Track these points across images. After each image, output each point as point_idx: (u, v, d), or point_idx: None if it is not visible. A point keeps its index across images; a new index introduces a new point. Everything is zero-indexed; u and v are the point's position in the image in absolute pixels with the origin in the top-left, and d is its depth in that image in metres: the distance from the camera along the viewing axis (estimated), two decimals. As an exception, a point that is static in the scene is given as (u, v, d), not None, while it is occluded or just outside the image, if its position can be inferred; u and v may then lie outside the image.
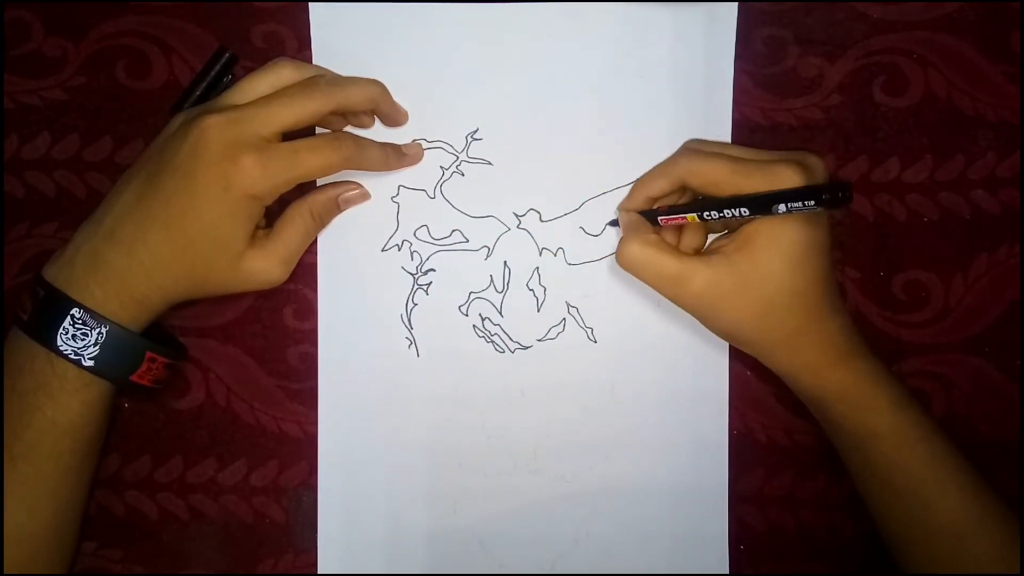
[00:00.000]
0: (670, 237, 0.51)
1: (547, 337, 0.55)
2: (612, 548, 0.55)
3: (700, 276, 0.47)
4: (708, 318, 0.49)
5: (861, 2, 0.54)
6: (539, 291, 0.55)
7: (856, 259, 0.54)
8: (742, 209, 0.46)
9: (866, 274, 0.54)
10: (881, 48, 0.54)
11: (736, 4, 0.54)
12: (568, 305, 0.55)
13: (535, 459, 0.55)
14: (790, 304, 0.47)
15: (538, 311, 0.55)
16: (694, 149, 0.50)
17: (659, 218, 0.50)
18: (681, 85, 0.54)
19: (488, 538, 0.55)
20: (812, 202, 0.43)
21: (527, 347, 0.55)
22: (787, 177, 0.46)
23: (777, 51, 0.54)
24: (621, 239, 0.49)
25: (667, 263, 0.48)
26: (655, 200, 0.51)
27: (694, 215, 0.48)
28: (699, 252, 0.50)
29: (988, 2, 0.54)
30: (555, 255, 0.54)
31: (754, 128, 0.54)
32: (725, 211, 0.46)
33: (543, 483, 0.55)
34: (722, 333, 0.50)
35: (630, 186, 0.53)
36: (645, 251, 0.48)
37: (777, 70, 0.54)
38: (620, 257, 0.49)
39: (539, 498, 0.55)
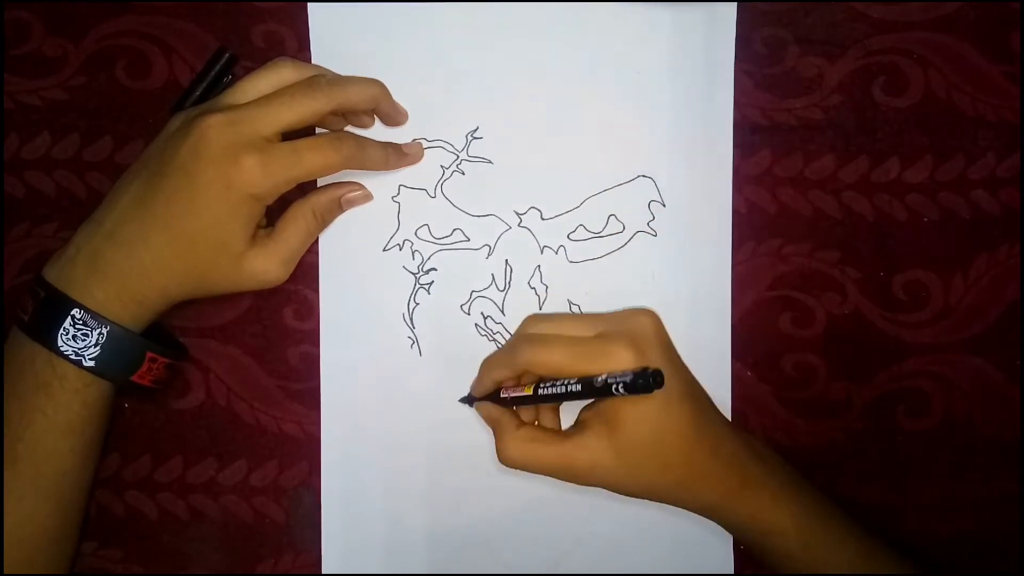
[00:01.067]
0: (546, 419, 0.51)
1: (548, 336, 0.55)
2: (615, 547, 0.55)
3: (581, 458, 0.47)
4: (609, 489, 0.49)
5: (861, 2, 0.54)
6: (541, 289, 0.55)
7: (856, 259, 0.54)
8: (579, 398, 0.46)
9: (866, 274, 0.54)
10: (881, 48, 0.54)
11: (736, 4, 0.54)
12: (570, 303, 0.55)
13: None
14: (668, 462, 0.47)
15: (540, 309, 0.55)
16: (531, 335, 0.49)
17: (501, 394, 0.50)
18: (681, 85, 0.54)
19: (490, 538, 0.55)
20: (631, 389, 0.43)
21: (528, 346, 0.55)
22: (618, 355, 0.45)
23: (777, 51, 0.54)
24: (497, 441, 0.49)
25: (546, 456, 0.48)
26: (500, 384, 0.50)
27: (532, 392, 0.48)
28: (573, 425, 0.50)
29: (988, 2, 0.54)
30: (556, 253, 0.55)
31: (754, 128, 0.54)
32: (565, 400, 0.47)
33: (545, 482, 0.54)
34: (630, 495, 0.49)
35: (630, 184, 0.54)
36: (521, 449, 0.48)
37: (777, 70, 0.54)
38: (501, 461, 0.48)
39: (541, 497, 0.55)
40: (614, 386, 0.43)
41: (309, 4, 0.54)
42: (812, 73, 0.54)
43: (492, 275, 0.55)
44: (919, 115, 0.54)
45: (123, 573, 0.55)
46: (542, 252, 0.55)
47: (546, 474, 0.48)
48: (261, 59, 0.52)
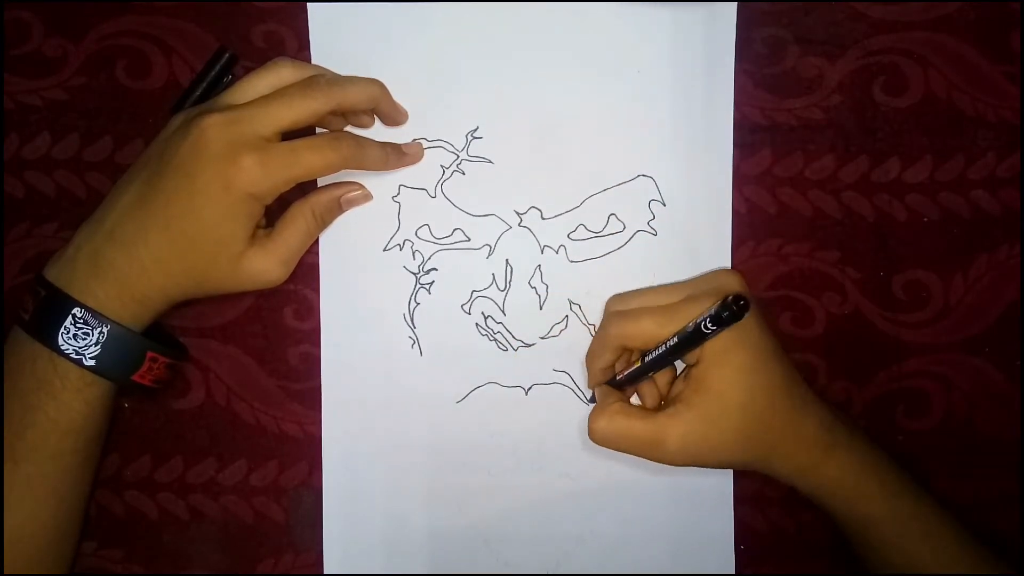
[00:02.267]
0: (648, 397, 0.52)
1: (550, 335, 0.55)
2: (617, 547, 0.55)
3: (672, 432, 0.48)
4: (697, 463, 0.49)
5: (861, 2, 0.54)
6: (541, 289, 0.55)
7: (856, 259, 0.54)
8: (679, 352, 0.47)
9: (866, 274, 0.54)
10: (881, 48, 0.54)
11: (736, 4, 0.54)
12: (570, 302, 0.55)
13: (539, 457, 0.55)
14: (760, 423, 0.48)
15: (540, 309, 0.55)
16: (617, 312, 0.50)
17: (622, 387, 0.51)
18: (681, 85, 0.54)
19: (492, 537, 0.55)
20: (719, 322, 0.44)
21: (530, 345, 0.55)
22: (709, 304, 0.47)
23: (777, 51, 0.54)
24: (589, 423, 0.50)
25: (636, 428, 0.48)
26: (609, 369, 0.52)
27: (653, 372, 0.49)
28: (665, 402, 0.51)
29: (988, 2, 0.54)
30: (557, 253, 0.55)
31: (754, 128, 0.54)
32: (669, 360, 0.48)
33: (547, 481, 0.55)
34: (716, 467, 0.50)
35: (631, 183, 0.54)
36: (613, 422, 0.49)
37: (777, 70, 0.54)
38: (592, 435, 0.49)
39: (543, 497, 0.55)
40: (702, 324, 0.44)
41: (309, 4, 0.54)
42: (812, 73, 0.54)
43: (493, 275, 0.55)
44: (919, 115, 0.54)
45: (123, 573, 0.55)
46: (542, 252, 0.55)
47: (633, 450, 0.49)
48: (261, 59, 0.52)
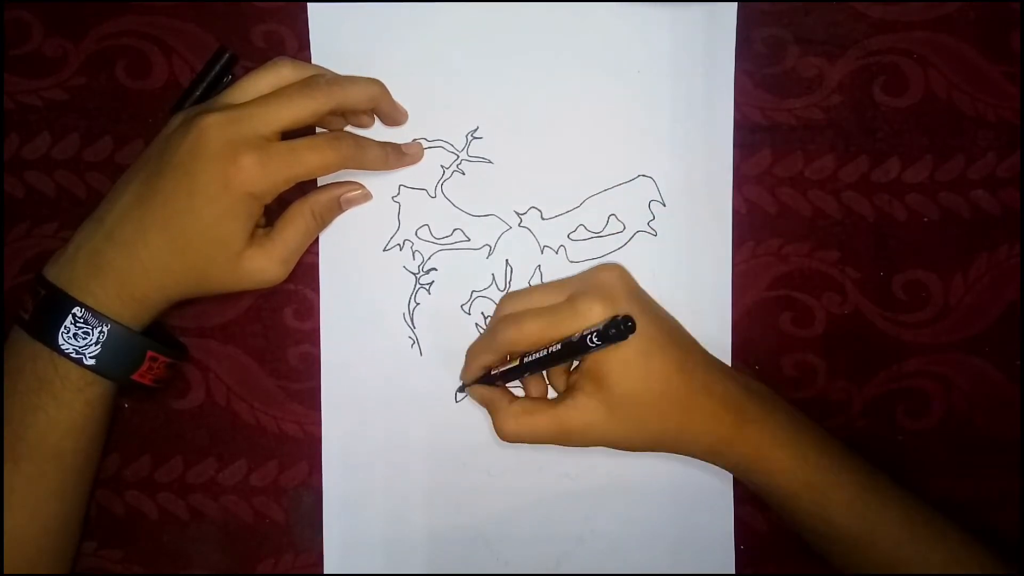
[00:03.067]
0: (535, 392, 0.52)
1: (549, 335, 0.55)
2: (617, 546, 0.55)
3: (575, 423, 0.48)
4: (614, 445, 0.49)
5: (861, 2, 0.54)
6: (541, 289, 0.55)
7: (856, 259, 0.54)
8: (561, 360, 0.47)
9: (866, 274, 0.54)
10: (881, 48, 0.54)
11: (736, 4, 0.54)
12: (570, 304, 0.55)
13: (539, 457, 0.55)
14: (658, 409, 0.48)
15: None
16: (505, 316, 0.50)
17: (491, 372, 0.51)
18: (681, 85, 0.54)
19: (492, 537, 0.55)
20: (604, 338, 0.44)
21: (529, 345, 0.55)
22: (588, 311, 0.47)
23: (777, 51, 0.54)
24: (493, 419, 0.50)
25: (541, 424, 0.49)
26: (488, 368, 0.52)
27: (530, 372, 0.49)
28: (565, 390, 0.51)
29: (988, 2, 0.54)
30: (557, 253, 0.55)
31: (754, 128, 0.54)
32: (550, 364, 0.48)
33: (547, 481, 0.55)
34: (631, 451, 0.50)
35: (631, 184, 0.54)
36: (519, 422, 0.49)
37: (777, 70, 0.54)
38: (501, 437, 0.50)
39: (543, 496, 0.55)
40: (588, 338, 0.44)
41: (309, 4, 0.54)
42: (812, 73, 0.54)
43: (492, 275, 0.55)
44: (919, 115, 0.54)
45: (123, 573, 0.55)
46: (542, 252, 0.55)
47: (545, 442, 0.49)
48: (261, 59, 0.52)
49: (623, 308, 0.47)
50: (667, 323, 0.50)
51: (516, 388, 0.53)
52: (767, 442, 0.48)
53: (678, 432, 0.49)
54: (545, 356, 0.47)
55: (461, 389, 0.54)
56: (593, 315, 0.47)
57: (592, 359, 0.48)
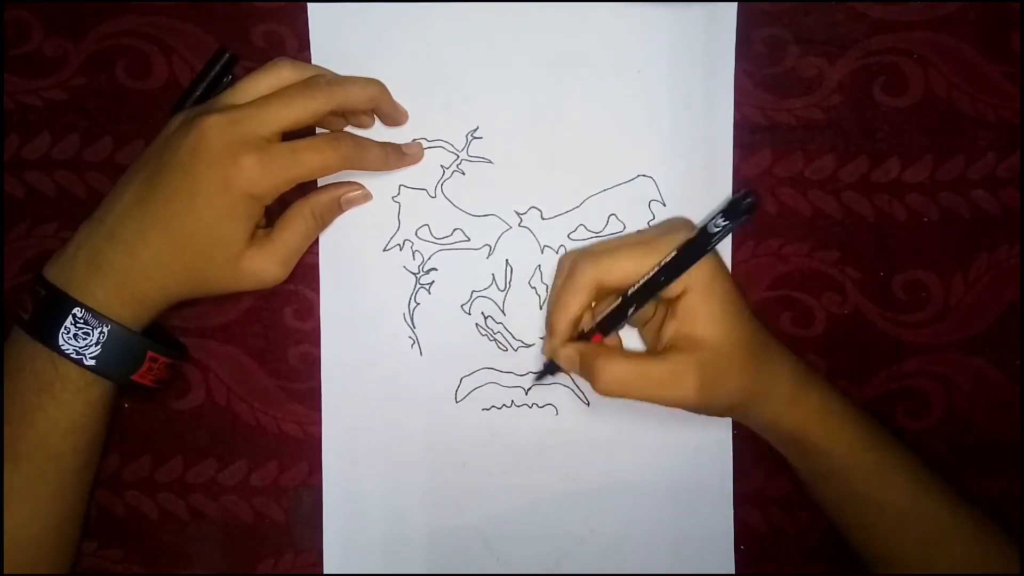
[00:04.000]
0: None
1: (549, 335, 0.55)
2: (617, 547, 0.55)
3: (688, 371, 0.48)
4: (704, 405, 0.49)
5: (861, 2, 0.54)
6: (541, 289, 0.55)
7: (856, 259, 0.54)
8: (675, 272, 0.47)
9: (866, 274, 0.54)
10: (881, 48, 0.54)
11: (736, 4, 0.54)
12: (570, 304, 0.55)
13: (539, 457, 0.55)
14: (745, 365, 0.48)
15: (540, 309, 0.55)
16: (588, 253, 0.49)
17: (601, 335, 0.49)
18: (681, 85, 0.54)
19: (492, 537, 0.55)
20: (733, 214, 0.45)
21: (530, 345, 0.55)
22: (685, 236, 0.47)
23: (777, 51, 0.54)
24: (593, 371, 0.48)
25: (654, 370, 0.48)
26: (577, 321, 0.50)
27: (632, 310, 0.48)
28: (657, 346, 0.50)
29: (988, 2, 0.54)
30: (557, 253, 0.54)
31: (754, 128, 0.54)
32: (664, 285, 0.47)
33: (547, 481, 0.55)
34: (715, 412, 0.50)
35: (631, 184, 0.54)
36: (625, 364, 0.48)
37: (777, 70, 0.54)
38: (602, 390, 0.48)
39: (543, 496, 0.55)
40: (713, 222, 0.45)
41: (309, 4, 0.54)
42: (812, 73, 0.54)
43: (492, 275, 0.55)
44: (919, 115, 0.54)
45: (123, 573, 0.55)
46: (543, 252, 0.55)
47: (647, 395, 0.48)
48: (261, 59, 0.52)
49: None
50: (743, 300, 0.50)
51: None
52: (826, 408, 0.49)
53: (753, 394, 0.49)
54: (657, 274, 0.47)
55: (540, 376, 0.53)
56: (686, 237, 0.47)
57: (689, 303, 0.47)
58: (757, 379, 0.49)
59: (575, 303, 0.50)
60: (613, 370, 0.48)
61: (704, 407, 0.49)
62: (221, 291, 0.51)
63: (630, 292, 0.48)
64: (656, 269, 0.47)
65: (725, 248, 0.54)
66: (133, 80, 0.55)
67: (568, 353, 0.50)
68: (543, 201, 0.55)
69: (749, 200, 0.45)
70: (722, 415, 0.52)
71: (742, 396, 0.49)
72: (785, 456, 0.52)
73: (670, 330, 0.49)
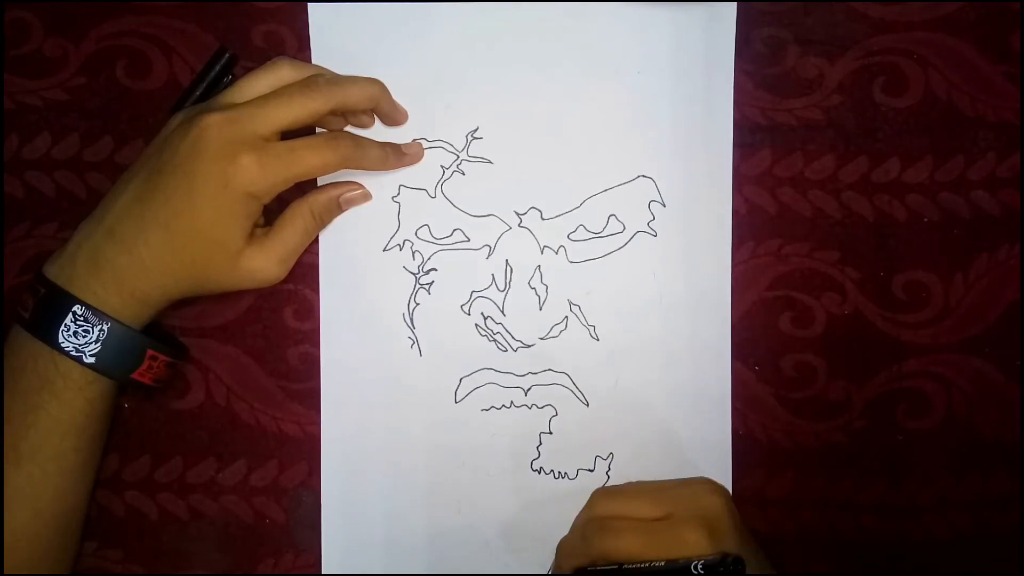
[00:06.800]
0: None
1: (549, 335, 0.55)
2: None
3: None
4: None
5: (861, 2, 0.54)
6: (541, 289, 0.55)
7: (856, 259, 0.54)
8: None
9: (866, 274, 0.54)
10: (881, 48, 0.54)
11: (736, 4, 0.54)
12: (570, 303, 0.55)
13: (538, 458, 0.55)
14: None
15: (540, 309, 0.55)
16: (602, 523, 0.49)
17: (588, 570, 0.49)
18: (681, 85, 0.54)
19: (491, 538, 0.55)
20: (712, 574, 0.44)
21: (530, 346, 0.55)
22: (693, 541, 0.46)
23: (777, 51, 0.54)
24: None
25: None
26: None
27: None
28: None
29: (988, 2, 0.54)
30: (556, 253, 0.55)
31: (754, 128, 0.54)
32: None
33: (547, 482, 0.55)
34: None
35: (630, 184, 0.54)
36: None
37: (777, 70, 0.54)
38: None
39: (543, 497, 0.55)
40: (694, 566, 0.44)
41: (309, 4, 0.54)
42: (812, 73, 0.54)
43: (492, 275, 0.55)
44: (919, 115, 0.54)
45: (123, 573, 0.55)
46: (542, 252, 0.55)
47: None
48: (261, 59, 0.52)
49: (730, 544, 0.47)
50: (762, 559, 0.49)
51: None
52: None
53: None
54: (647, 570, 0.47)
55: None
56: (697, 546, 0.46)
57: None
58: None
59: (578, 561, 0.49)
60: None
61: None
62: (220, 290, 0.51)
63: (625, 567, 0.48)
64: (652, 565, 0.47)
65: (724, 250, 0.54)
66: (133, 80, 0.55)
67: None
68: (543, 201, 0.55)
69: (740, 568, 0.44)
70: None
71: None
72: None
73: None
